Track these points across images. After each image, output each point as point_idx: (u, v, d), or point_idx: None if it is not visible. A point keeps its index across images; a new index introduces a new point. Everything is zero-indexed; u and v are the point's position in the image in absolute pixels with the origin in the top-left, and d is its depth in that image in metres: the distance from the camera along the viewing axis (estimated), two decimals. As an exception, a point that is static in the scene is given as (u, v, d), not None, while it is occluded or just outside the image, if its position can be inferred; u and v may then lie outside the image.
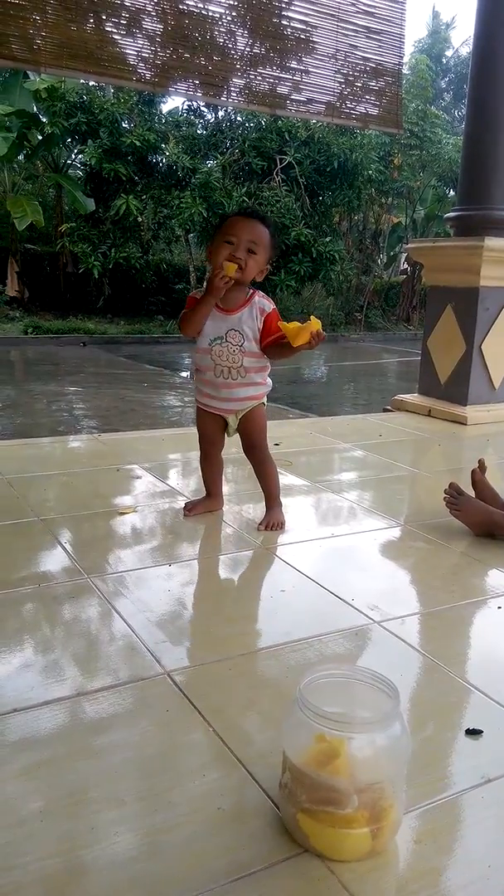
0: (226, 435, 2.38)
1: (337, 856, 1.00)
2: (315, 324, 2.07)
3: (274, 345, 2.21)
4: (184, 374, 9.63)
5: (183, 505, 2.46)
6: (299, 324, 2.09)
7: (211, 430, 2.36)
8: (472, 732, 1.30)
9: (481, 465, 2.40)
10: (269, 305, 2.22)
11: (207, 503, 2.43)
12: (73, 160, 14.28)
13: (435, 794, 1.15)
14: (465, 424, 4.00)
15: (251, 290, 2.21)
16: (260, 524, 2.31)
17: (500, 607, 1.83)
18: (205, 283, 2.21)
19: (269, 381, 2.31)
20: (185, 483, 2.83)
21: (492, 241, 3.86)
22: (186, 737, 1.27)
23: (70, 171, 14.15)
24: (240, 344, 2.19)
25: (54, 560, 2.03)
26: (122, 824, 1.06)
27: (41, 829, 1.05)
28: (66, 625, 1.66)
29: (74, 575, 1.92)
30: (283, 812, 1.06)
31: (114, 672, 1.46)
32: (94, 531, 2.28)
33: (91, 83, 12.32)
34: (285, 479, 2.84)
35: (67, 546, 2.12)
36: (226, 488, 2.72)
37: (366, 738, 1.00)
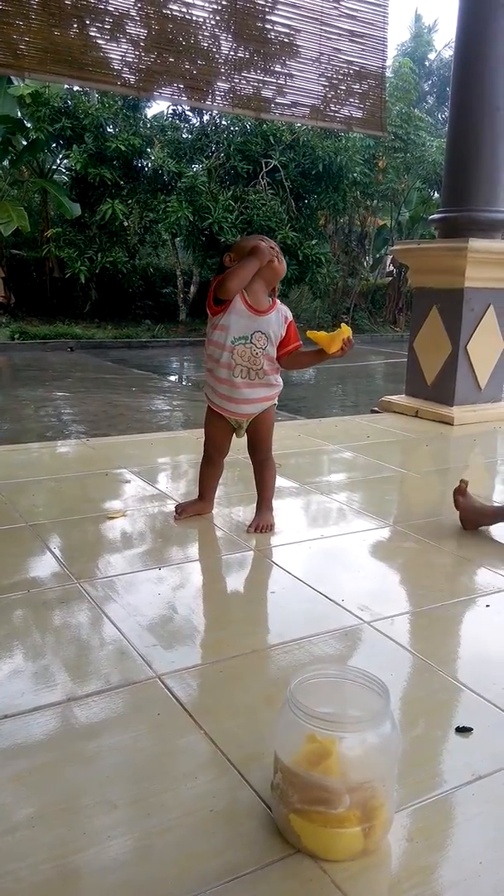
0: (233, 437, 2.37)
1: (329, 855, 1.01)
2: (346, 331, 2.15)
3: (289, 355, 2.25)
4: (172, 378, 9.62)
5: (173, 508, 2.46)
6: (327, 332, 2.16)
7: (220, 435, 2.34)
8: (462, 730, 1.31)
9: (462, 489, 2.37)
10: (290, 314, 2.27)
11: (198, 506, 2.43)
12: (59, 165, 14.25)
13: (426, 792, 1.15)
14: (452, 425, 4.02)
15: (272, 297, 2.24)
16: (250, 526, 2.31)
17: (488, 605, 1.85)
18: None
19: (280, 380, 2.31)
20: (175, 486, 2.83)
21: (476, 243, 3.89)
22: (178, 740, 1.27)
23: (55, 176, 14.12)
24: (263, 347, 2.20)
25: (44, 566, 2.03)
26: (115, 828, 1.06)
27: (33, 835, 1.05)
28: (56, 630, 1.66)
29: (64, 580, 1.91)
30: (275, 813, 1.07)
31: (104, 677, 1.46)
32: (84, 536, 2.27)
33: (75, 88, 12.33)
34: (274, 481, 2.84)
35: (57, 551, 2.12)
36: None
37: (356, 738, 1.01)
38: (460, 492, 2.35)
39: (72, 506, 2.54)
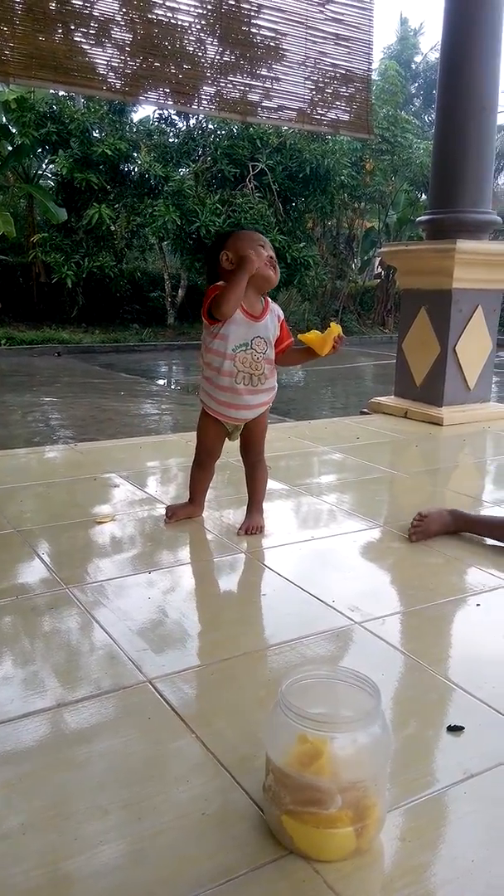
0: (226, 440, 2.36)
1: (322, 856, 1.00)
2: (335, 329, 2.16)
3: (283, 353, 2.25)
4: (160, 381, 9.61)
5: (163, 511, 2.45)
6: (318, 332, 2.16)
7: (213, 439, 2.33)
8: (454, 729, 1.31)
9: (416, 527, 2.28)
10: (281, 311, 2.28)
11: (189, 509, 2.43)
12: (44, 170, 14.23)
13: (418, 791, 1.15)
14: (441, 425, 4.04)
15: (264, 298, 2.24)
16: (240, 529, 2.31)
17: (479, 604, 1.85)
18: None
19: (276, 382, 2.30)
20: (164, 490, 2.82)
21: (463, 244, 3.90)
22: (169, 744, 1.26)
23: (41, 181, 14.09)
24: (263, 351, 2.19)
25: (32, 571, 2.02)
26: (107, 833, 1.05)
27: (24, 842, 1.04)
28: (45, 636, 1.65)
29: (53, 586, 1.91)
30: (267, 814, 1.06)
31: (95, 682, 1.45)
32: (73, 541, 2.26)
33: (61, 93, 12.30)
34: (264, 483, 2.84)
35: (45, 557, 2.11)
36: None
37: (348, 737, 1.01)
38: (416, 528, 2.25)
39: (60, 511, 2.53)
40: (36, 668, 1.51)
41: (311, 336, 2.17)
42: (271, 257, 2.16)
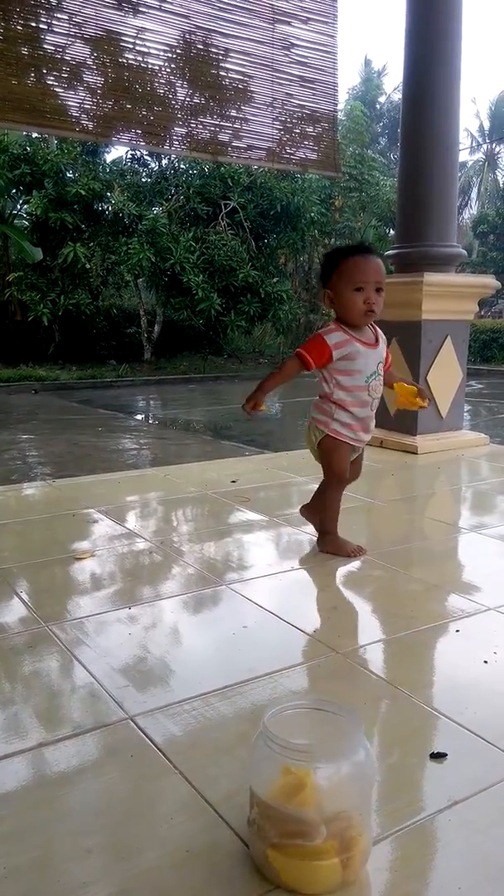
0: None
1: (309, 889, 1.00)
2: (421, 403, 2.41)
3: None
4: (138, 416, 9.62)
5: (143, 546, 2.44)
6: (406, 387, 2.40)
7: (347, 461, 2.38)
8: (437, 756, 1.31)
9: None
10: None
11: (343, 542, 2.43)
12: (19, 210, 14.35)
13: (404, 820, 1.15)
14: (416, 454, 4.08)
15: (373, 326, 2.33)
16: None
17: (458, 630, 1.86)
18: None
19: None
20: (144, 525, 2.81)
21: (431, 276, 3.99)
22: (152, 781, 1.25)
23: (16, 221, 14.21)
24: (382, 374, 2.32)
25: (10, 610, 1.99)
26: (90, 875, 1.04)
27: (6, 886, 1.02)
28: (24, 676, 1.63)
29: (32, 624, 1.89)
30: (252, 849, 1.05)
31: (76, 720, 1.43)
32: (52, 578, 2.25)
33: (34, 135, 12.50)
34: (243, 515, 2.85)
35: (24, 595, 2.09)
36: (184, 527, 2.73)
37: (331, 768, 1.00)
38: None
39: (39, 548, 2.51)
40: (16, 708, 1.49)
41: (402, 388, 2.39)
42: (368, 301, 2.18)
